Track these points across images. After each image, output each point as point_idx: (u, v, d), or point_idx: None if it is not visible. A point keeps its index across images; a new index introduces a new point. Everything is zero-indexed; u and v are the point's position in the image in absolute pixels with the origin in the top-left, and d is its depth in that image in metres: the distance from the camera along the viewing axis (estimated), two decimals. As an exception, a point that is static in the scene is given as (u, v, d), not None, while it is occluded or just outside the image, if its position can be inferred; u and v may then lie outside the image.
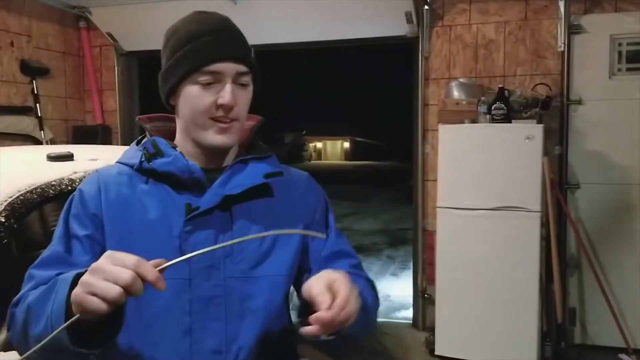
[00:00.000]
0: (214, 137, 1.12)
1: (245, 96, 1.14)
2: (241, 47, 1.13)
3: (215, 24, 1.13)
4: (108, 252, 0.88)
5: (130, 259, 0.85)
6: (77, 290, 0.86)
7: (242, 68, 1.11)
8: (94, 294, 0.83)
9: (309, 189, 1.26)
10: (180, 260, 0.88)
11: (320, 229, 1.22)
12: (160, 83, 1.17)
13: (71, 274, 0.93)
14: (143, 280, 0.84)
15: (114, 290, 0.83)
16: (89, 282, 0.84)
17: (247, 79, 1.13)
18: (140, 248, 1.04)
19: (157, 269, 0.86)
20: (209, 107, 1.10)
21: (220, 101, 1.09)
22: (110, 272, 0.84)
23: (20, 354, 1.04)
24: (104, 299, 0.83)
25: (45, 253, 1.10)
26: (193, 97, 1.10)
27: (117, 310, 0.87)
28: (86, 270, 0.90)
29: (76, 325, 0.86)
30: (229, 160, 1.19)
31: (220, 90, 1.09)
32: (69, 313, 0.88)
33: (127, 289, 0.83)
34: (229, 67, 1.09)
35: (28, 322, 0.97)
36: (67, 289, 0.90)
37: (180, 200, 1.12)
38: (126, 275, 0.83)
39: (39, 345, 0.86)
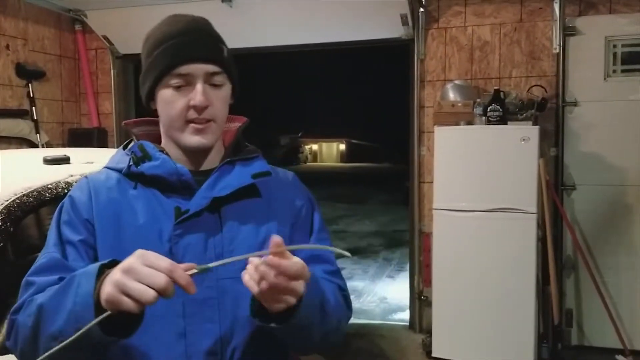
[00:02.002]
0: (190, 138, 1.12)
1: (220, 96, 1.13)
2: (210, 47, 1.12)
3: (185, 25, 1.13)
4: (139, 252, 0.89)
5: (164, 262, 0.87)
6: (110, 290, 0.86)
7: (212, 68, 1.11)
8: (128, 295, 0.85)
9: (294, 190, 1.26)
10: (213, 266, 0.91)
11: (304, 231, 1.22)
12: (140, 87, 1.18)
13: (94, 266, 0.93)
14: (175, 283, 0.86)
15: (148, 294, 0.84)
16: (123, 283, 0.86)
17: (220, 79, 1.13)
18: (131, 253, 1.05)
19: (188, 273, 0.88)
20: (183, 109, 1.10)
21: (192, 102, 1.09)
22: (145, 275, 0.85)
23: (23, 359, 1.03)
24: (137, 301, 0.85)
25: (42, 260, 1.08)
26: (167, 100, 1.11)
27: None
28: (109, 263, 0.92)
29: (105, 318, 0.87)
30: (215, 162, 1.19)
31: (192, 92, 1.10)
32: (95, 304, 0.89)
33: (161, 293, 0.85)
34: (197, 68, 1.09)
35: (40, 322, 0.97)
36: (92, 282, 0.90)
37: (169, 204, 1.12)
38: (161, 279, 0.85)
39: (70, 339, 0.86)
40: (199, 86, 1.09)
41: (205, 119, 1.11)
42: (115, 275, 0.87)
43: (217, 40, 1.15)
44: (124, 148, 1.23)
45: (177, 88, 1.10)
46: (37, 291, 1.03)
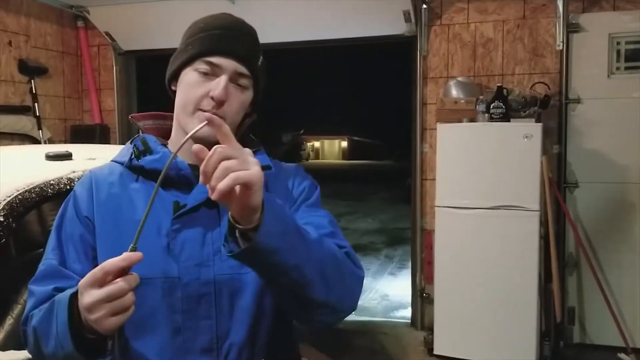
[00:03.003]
0: (196, 125, 1.10)
1: (240, 98, 1.13)
2: (247, 49, 1.13)
3: (232, 23, 1.15)
4: (80, 286, 0.90)
5: (96, 272, 0.87)
6: (103, 327, 0.88)
7: (241, 69, 1.11)
8: (114, 314, 0.88)
9: (295, 177, 1.24)
10: (134, 244, 0.89)
11: (298, 207, 1.19)
12: (168, 67, 1.19)
13: (65, 297, 0.96)
14: (122, 271, 0.87)
15: (127, 299, 0.87)
16: (100, 316, 0.88)
17: (245, 82, 1.13)
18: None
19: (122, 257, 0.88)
20: (200, 96, 1.10)
21: (211, 93, 1.09)
22: (106, 295, 0.87)
23: None
24: (126, 309, 0.88)
25: (41, 267, 1.10)
26: (189, 83, 1.12)
27: None
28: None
29: (78, 338, 0.91)
30: None
31: (214, 83, 1.10)
32: (73, 331, 0.92)
33: (130, 289, 0.87)
34: (228, 64, 1.10)
35: (38, 341, 1.02)
36: (65, 313, 0.94)
37: (168, 198, 1.11)
38: (118, 286, 0.87)
39: None
40: (224, 79, 1.09)
41: (218, 114, 1.09)
42: (87, 316, 0.89)
43: (257, 47, 1.17)
44: (132, 142, 1.23)
45: (203, 75, 1.11)
46: (35, 302, 1.06)
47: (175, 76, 1.16)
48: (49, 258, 1.11)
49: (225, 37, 1.11)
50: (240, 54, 1.11)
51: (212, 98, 1.09)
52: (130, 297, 0.88)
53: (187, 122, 1.13)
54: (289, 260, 0.92)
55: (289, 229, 0.93)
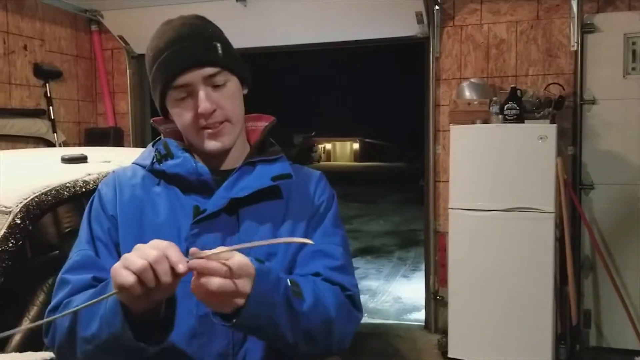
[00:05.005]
0: (207, 143, 1.12)
1: (226, 95, 1.11)
2: (201, 50, 1.10)
3: (173, 34, 1.11)
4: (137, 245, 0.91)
5: (162, 243, 0.88)
6: (115, 264, 0.88)
7: (209, 70, 1.09)
8: (125, 267, 0.86)
9: (315, 188, 1.24)
10: (225, 250, 0.89)
11: (317, 224, 1.19)
12: (153, 99, 1.20)
13: None
14: (168, 260, 0.86)
15: (139, 262, 0.85)
16: (125, 257, 0.88)
17: (221, 79, 1.11)
18: None
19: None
20: (193, 120, 1.10)
21: (198, 111, 1.08)
22: (142, 250, 0.87)
23: (60, 358, 1.06)
24: (131, 270, 0.85)
25: (75, 257, 1.10)
26: (176, 114, 1.12)
27: (169, 310, 0.94)
28: None
29: (134, 323, 0.90)
30: (239, 161, 1.18)
31: (196, 101, 1.09)
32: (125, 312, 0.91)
33: (153, 265, 0.85)
34: (194, 76, 1.08)
35: (75, 325, 0.99)
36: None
37: (188, 203, 1.12)
38: (154, 252, 0.86)
39: (82, 306, 0.88)
40: (201, 93, 1.08)
41: (217, 122, 1.10)
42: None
43: (209, 39, 1.12)
44: (154, 144, 1.23)
45: (182, 100, 1.10)
46: (72, 291, 1.04)
47: (163, 110, 1.17)
48: (84, 249, 1.10)
49: (175, 55, 1.08)
50: (198, 61, 1.08)
51: (203, 115, 1.09)
52: (139, 261, 0.85)
53: (198, 144, 1.14)
54: (271, 332, 0.98)
55: (275, 308, 0.96)
